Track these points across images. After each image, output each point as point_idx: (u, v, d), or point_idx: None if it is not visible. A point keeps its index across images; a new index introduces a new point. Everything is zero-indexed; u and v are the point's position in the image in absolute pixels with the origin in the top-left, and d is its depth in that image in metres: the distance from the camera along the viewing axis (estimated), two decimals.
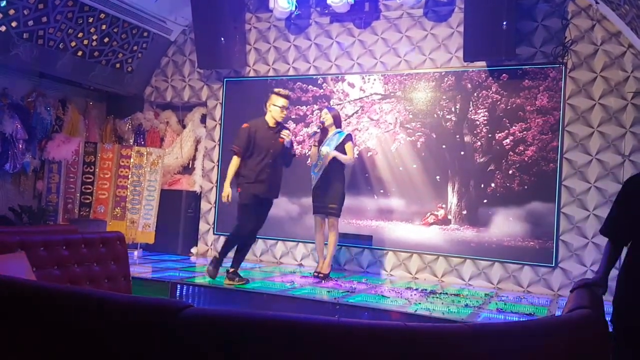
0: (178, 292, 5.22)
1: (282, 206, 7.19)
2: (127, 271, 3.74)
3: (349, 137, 5.90)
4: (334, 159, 5.79)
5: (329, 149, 5.80)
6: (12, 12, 6.13)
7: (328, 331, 1.49)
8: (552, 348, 1.48)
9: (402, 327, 1.48)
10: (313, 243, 6.47)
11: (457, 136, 6.52)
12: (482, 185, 6.36)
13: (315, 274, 5.98)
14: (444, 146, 6.57)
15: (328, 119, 5.92)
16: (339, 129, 5.96)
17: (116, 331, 1.67)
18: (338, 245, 6.89)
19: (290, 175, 7.13)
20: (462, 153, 6.49)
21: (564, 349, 1.49)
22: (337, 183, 5.84)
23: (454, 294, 5.52)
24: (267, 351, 1.49)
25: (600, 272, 2.35)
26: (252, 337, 1.52)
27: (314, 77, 7.25)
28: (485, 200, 6.33)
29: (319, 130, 5.90)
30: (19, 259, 2.99)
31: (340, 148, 5.83)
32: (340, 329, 1.51)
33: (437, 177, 6.57)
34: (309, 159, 6.13)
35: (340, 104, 7.08)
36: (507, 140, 6.27)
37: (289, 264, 7.16)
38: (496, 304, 5.17)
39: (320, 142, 5.88)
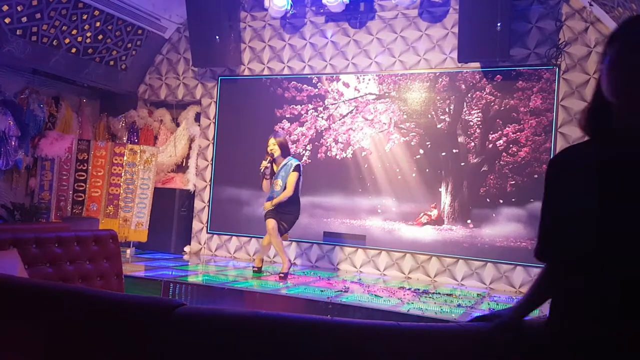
0: (171, 291, 5.21)
1: None
2: (119, 269, 3.73)
3: (297, 168, 5.79)
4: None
5: (282, 184, 5.75)
6: (5, 8, 6.09)
7: (320, 330, 1.49)
8: (543, 349, 1.49)
9: (395, 327, 1.49)
10: (308, 242, 6.48)
11: (451, 137, 6.54)
12: (475, 186, 6.38)
13: (281, 275, 5.82)
14: (439, 149, 6.58)
15: (276, 150, 5.78)
16: (289, 157, 5.87)
17: (109, 329, 1.66)
18: (332, 244, 6.91)
19: None
20: (456, 153, 6.51)
21: (554, 349, 1.49)
22: (294, 208, 5.83)
23: (447, 294, 5.54)
24: (259, 350, 1.49)
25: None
26: (244, 336, 1.52)
27: (309, 76, 7.25)
28: (478, 201, 6.35)
29: (269, 165, 5.81)
30: (11, 256, 2.98)
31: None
32: (332, 327, 1.51)
33: (431, 178, 6.58)
34: (263, 188, 5.95)
35: (334, 104, 7.08)
36: (501, 141, 6.29)
37: (281, 263, 7.14)
38: (488, 304, 5.19)
39: (271, 174, 5.81)
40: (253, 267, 6.17)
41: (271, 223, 5.74)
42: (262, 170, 5.82)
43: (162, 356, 1.56)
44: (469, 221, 6.37)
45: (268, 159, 5.81)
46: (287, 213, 5.79)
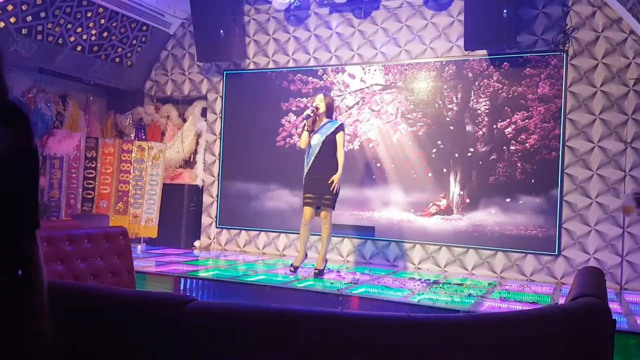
0: (182, 286, 5.23)
1: (284, 199, 7.20)
2: (130, 266, 3.75)
3: (341, 127, 5.57)
4: (327, 145, 5.47)
5: (321, 138, 5.49)
6: (10, 7, 6.11)
7: (331, 323, 1.49)
8: (555, 337, 1.48)
9: (405, 318, 1.49)
10: (317, 235, 6.43)
11: (459, 126, 6.50)
12: (484, 175, 6.35)
13: (292, 268, 5.66)
14: (445, 136, 6.55)
15: (322, 106, 5.55)
16: (329, 119, 5.62)
17: (121, 325, 1.67)
18: (340, 237, 6.90)
19: (291, 167, 7.12)
20: (464, 142, 6.47)
21: (566, 337, 1.49)
22: (332, 173, 5.47)
23: (457, 284, 5.53)
24: (270, 343, 1.50)
25: None
26: (255, 330, 1.53)
27: (314, 68, 7.22)
28: (487, 190, 6.32)
29: (312, 115, 5.51)
30: None
31: (332, 137, 5.50)
32: (343, 320, 1.51)
33: (439, 167, 6.56)
34: (299, 144, 5.71)
35: (340, 95, 7.06)
36: (509, 129, 6.25)
37: (291, 256, 7.16)
38: (499, 293, 5.17)
39: (311, 129, 5.54)
40: (315, 270, 5.65)
41: (308, 212, 5.52)
42: (304, 117, 5.53)
43: (174, 352, 1.57)
44: (478, 210, 6.34)
45: (312, 109, 5.54)
46: (321, 181, 5.45)
